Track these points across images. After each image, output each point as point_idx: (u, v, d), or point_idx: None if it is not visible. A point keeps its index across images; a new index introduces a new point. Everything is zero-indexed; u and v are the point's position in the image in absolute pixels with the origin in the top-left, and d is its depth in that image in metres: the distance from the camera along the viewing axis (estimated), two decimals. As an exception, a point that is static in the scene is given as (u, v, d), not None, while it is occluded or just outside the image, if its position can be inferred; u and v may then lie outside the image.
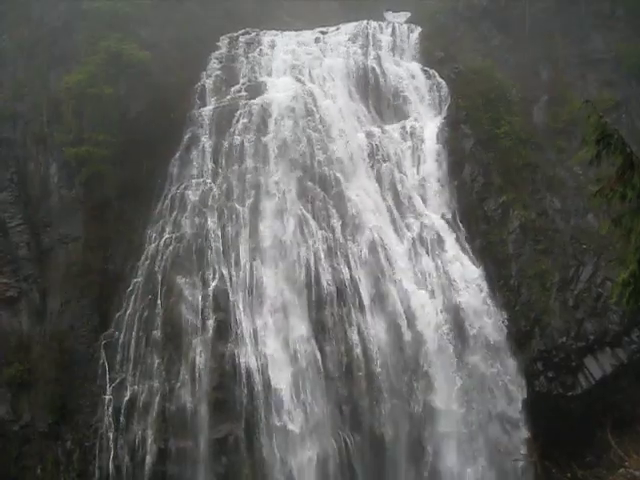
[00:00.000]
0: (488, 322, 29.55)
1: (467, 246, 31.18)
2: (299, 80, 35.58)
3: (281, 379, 27.76)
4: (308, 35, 39.73)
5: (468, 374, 28.68)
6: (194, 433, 27.49)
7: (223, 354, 28.14)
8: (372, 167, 32.92)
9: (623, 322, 29.37)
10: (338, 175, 31.75)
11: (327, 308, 28.83)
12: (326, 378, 27.98)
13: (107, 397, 28.30)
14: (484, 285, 30.18)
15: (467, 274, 30.31)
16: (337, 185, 31.53)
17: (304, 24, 41.59)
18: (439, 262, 30.39)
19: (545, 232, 31.61)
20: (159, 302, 29.40)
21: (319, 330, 28.70)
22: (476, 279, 30.25)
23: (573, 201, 32.09)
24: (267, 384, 27.56)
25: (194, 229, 30.76)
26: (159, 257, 30.37)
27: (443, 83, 36.08)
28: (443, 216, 31.96)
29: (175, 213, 31.52)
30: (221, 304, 29.00)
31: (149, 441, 27.49)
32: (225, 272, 29.61)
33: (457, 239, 31.33)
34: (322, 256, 29.68)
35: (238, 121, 33.23)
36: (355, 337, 28.44)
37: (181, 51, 36.89)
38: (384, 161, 33.07)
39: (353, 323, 28.70)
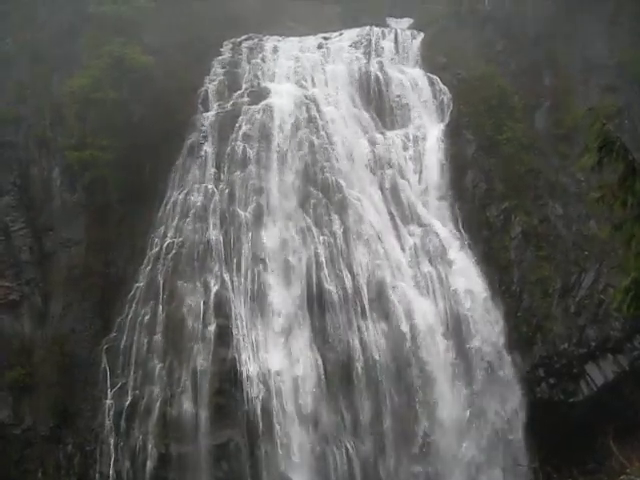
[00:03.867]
0: (490, 328, 29.55)
1: (469, 252, 31.16)
2: (301, 86, 35.62)
3: (282, 385, 27.74)
4: (311, 41, 39.73)
5: (470, 381, 28.71)
6: (195, 438, 27.47)
7: (224, 360, 28.13)
8: (374, 173, 32.90)
9: (625, 328, 29.40)
10: (340, 181, 31.71)
11: (328, 315, 28.79)
12: (327, 385, 27.94)
13: (108, 401, 28.29)
14: (486, 291, 30.17)
15: (469, 280, 30.30)
16: (339, 191, 31.49)
17: (307, 29, 41.60)
18: (441, 269, 30.38)
19: (547, 238, 31.63)
20: (160, 307, 29.42)
21: (320, 336, 28.68)
22: (478, 285, 30.25)
23: (575, 207, 32.09)
24: (268, 390, 27.54)
25: (196, 234, 30.72)
26: (161, 262, 30.38)
27: (445, 89, 36.03)
28: (445, 222, 31.95)
29: (177, 218, 31.47)
30: (222, 310, 28.99)
31: (150, 446, 27.46)
32: (227, 278, 29.59)
33: (459, 245, 31.29)
34: (324, 262, 29.65)
35: (240, 127, 33.23)
36: (357, 344, 28.41)
37: (184, 56, 36.89)
38: (386, 167, 33.04)
39: (354, 330, 28.67)
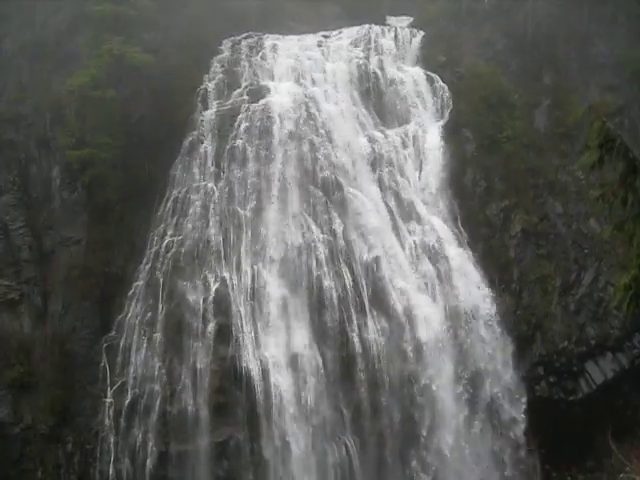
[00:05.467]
0: (489, 326, 29.58)
1: (469, 250, 31.18)
2: (301, 84, 35.55)
3: (282, 383, 27.72)
4: (310, 39, 39.67)
5: (469, 378, 28.73)
6: (195, 437, 27.46)
7: (224, 358, 28.11)
8: (374, 171, 32.85)
9: (624, 327, 29.49)
10: (340, 179, 31.69)
11: (328, 312, 28.77)
12: (327, 382, 27.95)
13: (108, 400, 28.28)
14: (485, 289, 30.19)
15: (468, 279, 30.32)
16: (339, 189, 31.47)
17: (307, 28, 41.60)
18: (440, 266, 30.37)
19: (547, 237, 31.69)
20: (160, 305, 29.41)
21: (320, 334, 28.65)
22: (477, 283, 30.27)
23: (575, 206, 32.14)
24: (268, 388, 27.51)
25: (196, 233, 30.69)
26: (160, 260, 30.37)
27: (445, 87, 36.04)
28: (445, 220, 31.96)
29: (177, 216, 31.47)
30: (222, 308, 28.96)
31: (150, 444, 27.47)
32: (226, 276, 29.58)
33: (459, 243, 31.32)
34: (323, 260, 29.65)
35: (240, 125, 33.19)
36: (356, 341, 28.41)
37: (184, 54, 36.88)
38: (386, 165, 33.00)
39: (354, 327, 28.66)
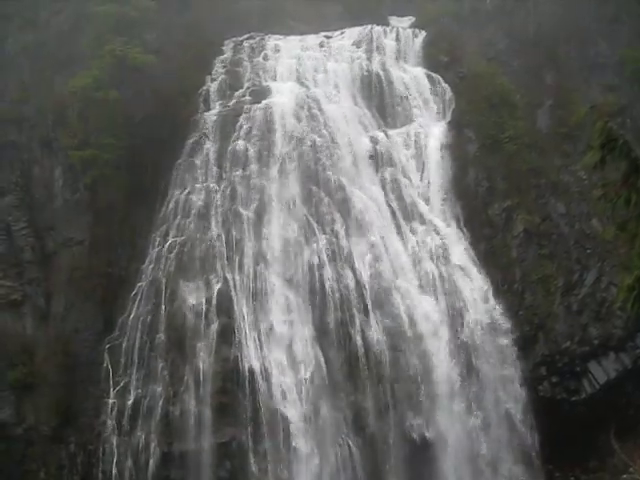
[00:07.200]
0: (491, 327, 29.56)
1: (471, 250, 31.18)
2: (303, 85, 35.60)
3: (285, 383, 27.73)
4: (312, 40, 39.69)
5: (472, 378, 28.70)
6: (198, 437, 27.41)
7: (227, 358, 28.08)
8: (376, 172, 32.89)
9: (627, 327, 29.43)
10: (342, 180, 31.70)
11: (331, 312, 28.74)
12: (330, 382, 27.89)
13: (111, 401, 28.26)
14: (488, 290, 30.17)
15: (470, 278, 30.31)
16: (341, 190, 31.47)
17: (308, 28, 41.61)
18: (443, 267, 30.37)
19: (549, 237, 31.64)
20: (163, 306, 29.34)
21: (323, 334, 28.63)
22: (480, 283, 30.25)
23: (577, 206, 32.11)
24: (270, 388, 27.52)
25: (198, 233, 30.69)
26: (163, 261, 30.32)
27: (447, 88, 36.10)
28: (447, 221, 31.98)
29: (179, 217, 31.46)
30: (225, 308, 28.93)
31: (152, 445, 27.42)
32: (229, 276, 29.55)
33: (461, 244, 31.33)
34: (326, 261, 29.62)
35: (242, 125, 33.22)
36: (359, 341, 28.37)
37: (186, 55, 36.92)
38: (388, 166, 33.03)
39: (357, 327, 28.64)
